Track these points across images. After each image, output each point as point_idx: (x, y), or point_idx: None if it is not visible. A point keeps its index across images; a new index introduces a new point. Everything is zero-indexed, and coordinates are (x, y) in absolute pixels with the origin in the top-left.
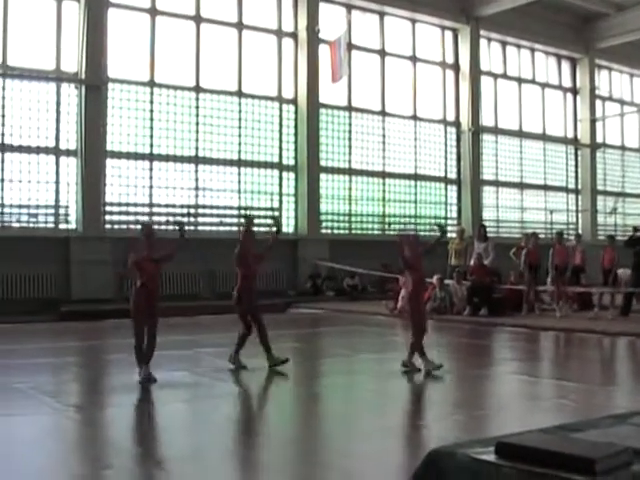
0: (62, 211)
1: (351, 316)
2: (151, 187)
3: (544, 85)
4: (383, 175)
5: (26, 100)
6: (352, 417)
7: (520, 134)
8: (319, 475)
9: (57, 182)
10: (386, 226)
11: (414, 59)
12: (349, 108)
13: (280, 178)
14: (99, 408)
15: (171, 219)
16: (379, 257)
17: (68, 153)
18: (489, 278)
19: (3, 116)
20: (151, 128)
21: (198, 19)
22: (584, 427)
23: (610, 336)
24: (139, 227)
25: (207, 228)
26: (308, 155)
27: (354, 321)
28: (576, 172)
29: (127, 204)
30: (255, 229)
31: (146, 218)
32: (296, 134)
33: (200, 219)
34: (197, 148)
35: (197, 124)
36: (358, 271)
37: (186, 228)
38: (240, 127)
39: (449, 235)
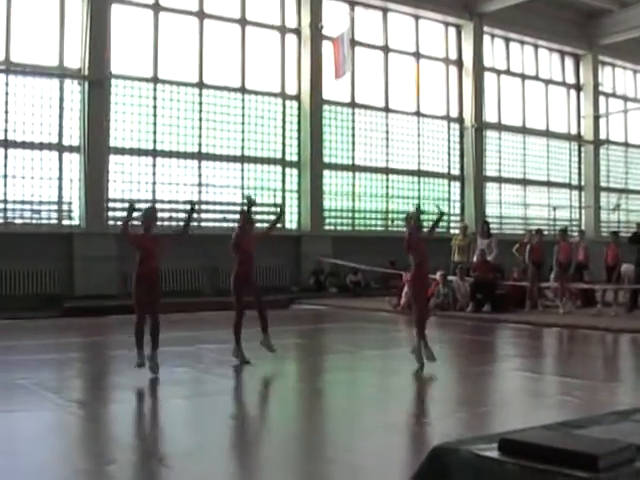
0: (65, 207)
1: (354, 312)
2: (154, 183)
3: (547, 81)
4: (386, 171)
5: (29, 96)
6: (355, 413)
7: (523, 130)
8: (322, 470)
9: (60, 178)
10: (389, 222)
11: (417, 55)
12: (352, 104)
13: (283, 174)
14: (102, 404)
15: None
16: (382, 253)
17: (71, 149)
18: (492, 274)
19: (6, 112)
20: (154, 124)
21: (201, 15)
22: (587, 424)
23: (613, 333)
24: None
25: (210, 224)
26: (311, 151)
27: (357, 317)
28: (579, 168)
29: (130, 200)
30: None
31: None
32: (299, 130)
33: (203, 215)
34: (200, 144)
35: (200, 120)
36: (361, 267)
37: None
38: (243, 123)
39: (452, 232)
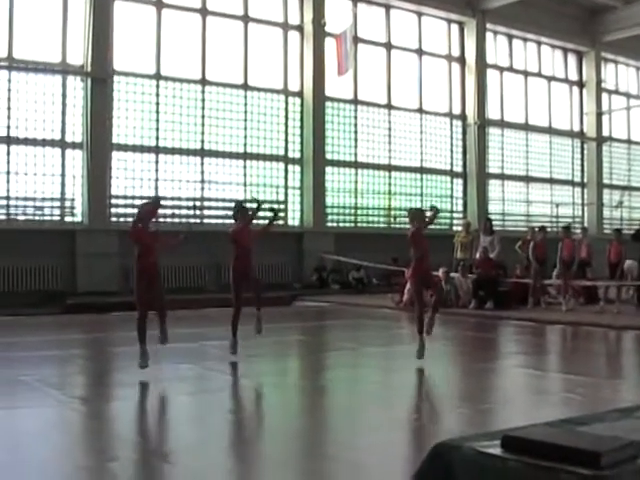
0: (68, 204)
1: (356, 309)
2: (157, 180)
3: (550, 78)
4: (389, 168)
5: (32, 93)
6: (357, 410)
7: (526, 127)
8: (324, 468)
9: (63, 175)
10: (392, 219)
11: (420, 52)
12: (355, 101)
13: (286, 171)
14: (104, 401)
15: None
16: (385, 250)
17: (74, 146)
18: (494, 271)
19: (9, 109)
20: (157, 121)
21: (204, 12)
22: (590, 421)
23: (616, 330)
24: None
25: (213, 221)
26: (314, 148)
27: (360, 314)
28: (582, 165)
29: (133, 197)
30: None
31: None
32: (302, 127)
33: (206, 212)
34: (203, 141)
35: (203, 117)
36: (364, 264)
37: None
38: (246, 120)
39: (455, 228)
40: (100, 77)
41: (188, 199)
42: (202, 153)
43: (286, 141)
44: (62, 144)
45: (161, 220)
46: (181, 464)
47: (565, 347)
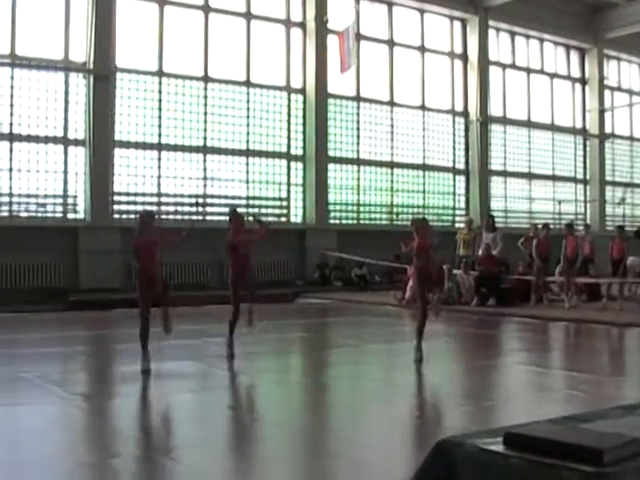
0: (70, 201)
1: (359, 306)
2: (159, 177)
3: (553, 75)
4: (391, 165)
5: (34, 90)
6: (360, 407)
7: (528, 124)
8: (327, 465)
9: (65, 172)
10: (394, 216)
11: (422, 49)
12: (357, 98)
13: (288, 168)
14: (106, 397)
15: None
16: (387, 247)
17: (76, 143)
18: (497, 268)
19: (12, 106)
20: (159, 118)
21: (206, 9)
22: (592, 418)
23: (618, 327)
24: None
25: (215, 218)
26: (316, 145)
27: (362, 311)
28: (584, 162)
29: (135, 194)
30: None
31: (154, 208)
32: (304, 124)
33: (208, 209)
34: (205, 138)
35: (205, 114)
36: (366, 261)
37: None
38: (248, 117)
39: (457, 225)
40: (103, 74)
41: (190, 196)
42: (204, 150)
43: (289, 138)
44: (65, 141)
45: (164, 217)
46: (183, 461)
47: (568, 344)
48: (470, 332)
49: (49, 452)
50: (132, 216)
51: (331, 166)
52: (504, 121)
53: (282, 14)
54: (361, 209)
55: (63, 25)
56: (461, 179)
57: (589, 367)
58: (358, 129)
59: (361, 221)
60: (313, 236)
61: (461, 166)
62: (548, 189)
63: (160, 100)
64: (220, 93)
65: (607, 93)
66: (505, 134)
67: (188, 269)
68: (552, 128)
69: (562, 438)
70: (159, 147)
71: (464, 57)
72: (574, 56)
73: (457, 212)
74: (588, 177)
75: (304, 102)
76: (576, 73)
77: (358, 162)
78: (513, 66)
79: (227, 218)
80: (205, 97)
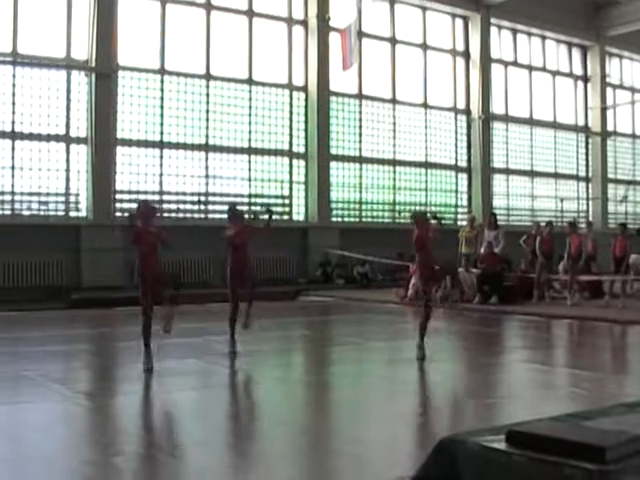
0: (72, 199)
1: (361, 304)
2: (161, 175)
3: (555, 73)
4: (393, 163)
5: (36, 88)
6: (362, 404)
7: (531, 122)
8: (329, 462)
9: (67, 170)
10: (396, 214)
11: (424, 47)
12: (359, 96)
13: (290, 166)
14: (109, 395)
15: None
16: (389, 245)
17: (78, 141)
18: (499, 266)
19: (14, 104)
20: (161, 116)
21: (208, 6)
22: (595, 415)
23: (621, 324)
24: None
25: (217, 216)
26: (318, 143)
27: (364, 309)
28: (587, 160)
29: (137, 192)
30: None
31: (156, 206)
32: (306, 122)
33: (210, 207)
34: (207, 136)
35: (207, 112)
36: (368, 259)
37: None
38: (250, 115)
39: (459, 223)
40: (104, 72)
41: (192, 194)
42: (206, 148)
43: (290, 136)
44: (67, 139)
45: (165, 215)
46: (186, 459)
47: (570, 342)
48: (472, 330)
49: (52, 450)
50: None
51: (333, 164)
52: (506, 119)
53: (284, 12)
54: (363, 207)
55: (65, 23)
56: (463, 177)
57: (591, 365)
58: (360, 127)
59: (363, 219)
60: (315, 234)
61: (463, 164)
62: (550, 187)
63: (162, 98)
64: (222, 91)
65: (609, 91)
66: (507, 132)
67: (190, 267)
68: (554, 126)
69: (564, 436)
70: (161, 145)
71: (466, 55)
72: (576, 54)
73: (459, 210)
74: (590, 175)
75: (306, 100)
76: (578, 71)
77: (360, 160)
78: (515, 64)
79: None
80: (207, 95)
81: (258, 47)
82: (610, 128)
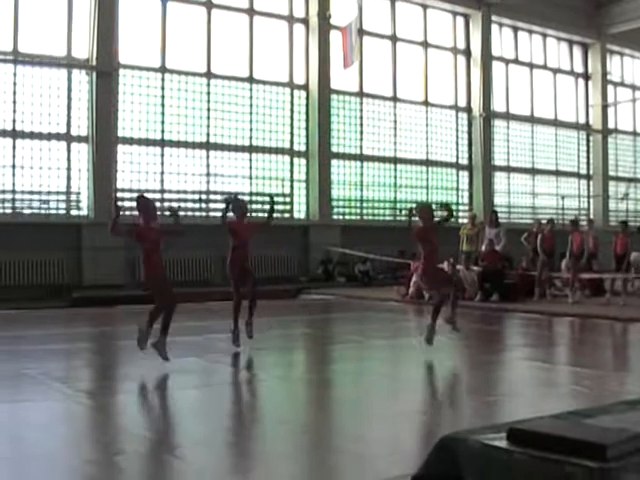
0: (73, 197)
1: (362, 302)
2: (162, 173)
3: (556, 70)
4: (394, 161)
5: (37, 86)
6: (363, 402)
7: (532, 120)
8: (331, 460)
9: (68, 168)
10: (397, 212)
11: (425, 45)
12: (360, 94)
13: (291, 164)
14: (110, 394)
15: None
16: (391, 243)
17: (79, 139)
18: (500, 264)
19: (14, 102)
20: (162, 114)
21: (209, 5)
22: (596, 413)
23: (622, 322)
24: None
25: (218, 214)
26: (319, 141)
27: (365, 307)
28: (588, 158)
29: (138, 190)
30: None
31: (157, 204)
32: (307, 120)
33: (211, 205)
34: (208, 134)
35: (208, 110)
36: (369, 257)
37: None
38: (251, 113)
39: (460, 221)
40: (105, 70)
41: (194, 192)
42: (207, 146)
43: (292, 134)
44: (67, 138)
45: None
46: (187, 457)
47: (571, 339)
48: (473, 327)
49: (53, 449)
50: (135, 213)
51: (334, 162)
52: (507, 116)
53: (285, 10)
54: (364, 205)
55: (66, 22)
56: (464, 174)
57: (593, 362)
58: (361, 125)
59: (364, 217)
60: (316, 232)
61: (464, 162)
62: (551, 184)
63: (163, 96)
64: (223, 89)
65: (610, 88)
66: (508, 129)
67: (191, 265)
68: (555, 123)
69: (565, 433)
70: (162, 143)
71: (467, 52)
72: (577, 51)
73: (460, 208)
74: (591, 172)
75: (307, 98)
76: (579, 68)
77: (361, 158)
78: (516, 61)
79: (230, 214)
80: (208, 93)
81: (259, 45)
82: (611, 126)
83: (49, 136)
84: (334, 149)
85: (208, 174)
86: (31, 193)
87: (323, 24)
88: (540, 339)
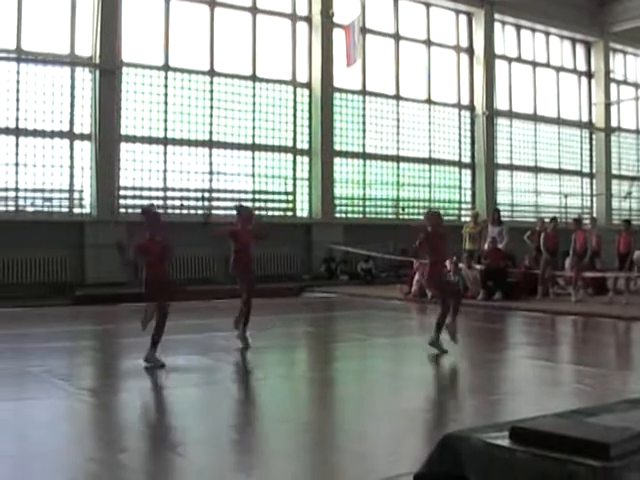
0: (76, 195)
1: (365, 300)
2: (165, 171)
3: (558, 69)
4: (397, 159)
5: (40, 84)
6: (366, 401)
7: (534, 118)
8: (333, 459)
9: (71, 166)
10: (400, 210)
11: (428, 43)
12: (363, 92)
13: (294, 162)
14: (113, 392)
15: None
16: (393, 241)
17: (82, 137)
18: (503, 262)
19: (18, 100)
20: (165, 112)
21: (212, 3)
22: (599, 412)
23: (625, 320)
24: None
25: (221, 212)
26: (322, 139)
27: (368, 305)
28: (591, 156)
29: (141, 188)
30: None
31: (160, 202)
32: (310, 118)
33: (214, 203)
34: (211, 132)
35: (211, 108)
36: (372, 255)
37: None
38: (254, 111)
39: (463, 219)
40: (108, 69)
41: (196, 190)
42: (210, 144)
43: (294, 132)
44: (70, 136)
45: (170, 212)
46: (190, 455)
47: (574, 338)
48: (476, 326)
49: (56, 446)
50: (138, 211)
51: (337, 160)
52: (510, 115)
53: (288, 8)
54: (367, 203)
55: (69, 20)
56: (467, 173)
57: (595, 361)
58: (364, 123)
59: (367, 215)
60: (319, 230)
61: (467, 160)
62: (554, 183)
63: (166, 94)
64: (226, 87)
65: (613, 86)
66: (511, 127)
67: (194, 263)
68: (558, 121)
69: (568, 432)
70: (165, 141)
71: (470, 51)
72: (580, 49)
73: (463, 206)
74: (594, 171)
75: (310, 96)
76: (582, 66)
77: (364, 156)
78: (519, 59)
79: (234, 212)
80: (211, 91)
81: (262, 44)
82: (614, 124)
83: (52, 134)
84: (337, 147)
85: (211, 172)
86: (34, 191)
87: (326, 22)
88: (543, 337)
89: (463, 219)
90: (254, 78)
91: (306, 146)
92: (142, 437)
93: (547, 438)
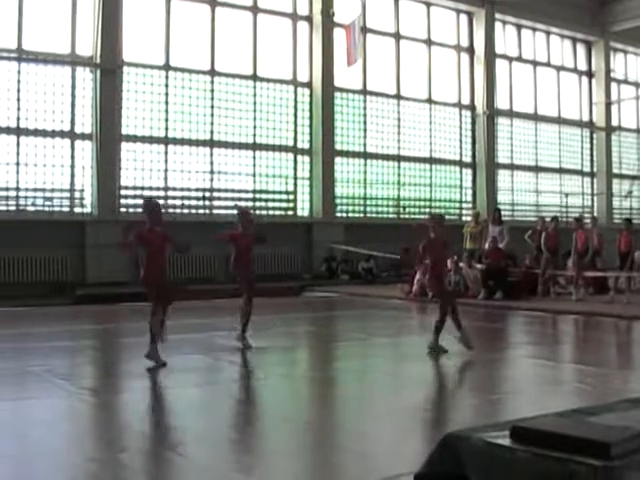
0: (77, 195)
1: (366, 300)
2: (166, 171)
3: (559, 68)
4: (398, 158)
5: (41, 84)
6: (367, 400)
7: (535, 117)
8: (334, 458)
9: (72, 166)
10: (401, 209)
11: (429, 42)
12: (364, 91)
13: (295, 161)
14: (114, 392)
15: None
16: (394, 240)
17: (83, 137)
18: (504, 261)
19: (18, 100)
20: (166, 112)
21: (213, 2)
22: (600, 411)
23: (626, 320)
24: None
25: (222, 212)
26: (323, 138)
27: (369, 305)
28: (591, 155)
29: (142, 188)
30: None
31: (161, 202)
32: (311, 117)
33: (215, 202)
34: (212, 132)
35: (212, 107)
36: (373, 254)
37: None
38: (255, 110)
39: (464, 219)
40: (109, 68)
41: (197, 190)
42: (211, 144)
43: (295, 132)
44: (71, 135)
45: (171, 211)
46: (190, 455)
47: (575, 337)
48: (477, 325)
49: (57, 446)
50: (139, 210)
51: (338, 159)
52: (511, 114)
53: (289, 8)
54: (368, 202)
55: (70, 19)
56: (468, 172)
57: (596, 360)
58: (365, 122)
59: (368, 214)
60: (320, 229)
61: (468, 159)
62: (555, 182)
63: (167, 94)
64: (227, 87)
65: (614, 86)
66: (512, 127)
67: (195, 263)
68: (559, 121)
69: (569, 432)
70: (166, 141)
71: (470, 50)
72: (580, 49)
73: (464, 205)
74: (595, 170)
75: (311, 95)
76: (582, 66)
77: (365, 155)
78: (520, 59)
79: (234, 212)
80: (212, 91)
81: (263, 43)
82: (615, 123)
83: (53, 133)
84: (338, 147)
85: (212, 172)
86: (35, 190)
87: (327, 22)
88: (544, 337)
89: (464, 218)
90: (255, 77)
91: (307, 145)
92: (142, 437)
93: (548, 437)
